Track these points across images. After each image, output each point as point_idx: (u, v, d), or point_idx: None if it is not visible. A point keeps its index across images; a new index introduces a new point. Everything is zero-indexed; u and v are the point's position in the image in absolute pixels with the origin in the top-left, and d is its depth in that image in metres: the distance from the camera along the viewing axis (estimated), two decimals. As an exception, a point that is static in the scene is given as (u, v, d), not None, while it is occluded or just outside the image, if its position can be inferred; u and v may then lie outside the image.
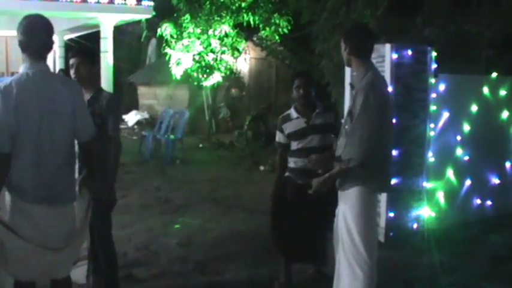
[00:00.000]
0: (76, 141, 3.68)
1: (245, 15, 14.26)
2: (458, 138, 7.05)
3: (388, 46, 6.26)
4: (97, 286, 4.77)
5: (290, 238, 5.04)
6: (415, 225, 6.61)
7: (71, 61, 4.49)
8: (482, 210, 7.39)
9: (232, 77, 16.53)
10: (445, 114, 6.86)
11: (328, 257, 4.83)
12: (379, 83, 4.03)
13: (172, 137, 12.53)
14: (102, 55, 12.97)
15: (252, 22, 14.42)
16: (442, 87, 6.76)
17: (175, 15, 14.47)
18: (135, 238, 6.59)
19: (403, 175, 6.36)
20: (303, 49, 15.45)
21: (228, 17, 14.09)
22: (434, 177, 6.80)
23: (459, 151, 7.07)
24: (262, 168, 11.30)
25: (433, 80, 6.61)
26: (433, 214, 6.76)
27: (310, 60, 13.61)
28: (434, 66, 6.62)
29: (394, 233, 6.39)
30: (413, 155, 6.50)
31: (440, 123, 6.83)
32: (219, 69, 14.69)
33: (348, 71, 6.37)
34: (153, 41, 21.06)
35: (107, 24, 13.32)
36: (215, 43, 14.40)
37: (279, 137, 5.20)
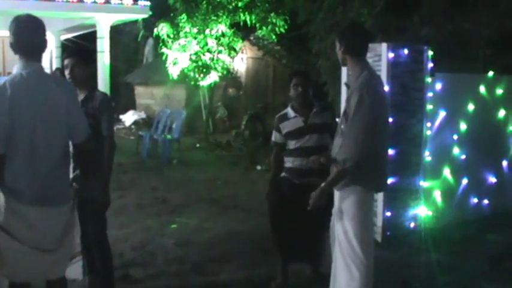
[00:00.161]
0: (70, 142, 3.66)
1: (242, 15, 14.25)
2: (455, 137, 7.04)
3: (384, 45, 6.25)
4: (92, 286, 4.76)
5: (290, 238, 5.03)
6: (412, 225, 6.60)
7: (66, 62, 4.48)
8: (479, 209, 7.39)
9: (229, 76, 16.55)
10: (442, 113, 6.85)
11: (324, 257, 4.83)
12: (374, 82, 4.01)
13: (169, 137, 12.52)
14: (98, 55, 12.95)
15: (248, 21, 14.42)
16: (438, 86, 6.75)
17: (171, 14, 14.47)
18: (132, 238, 6.57)
19: (400, 174, 6.35)
20: (299, 48, 15.46)
21: (224, 17, 14.09)
22: (431, 176, 6.79)
23: (456, 150, 7.07)
24: (259, 168, 11.30)
25: (429, 79, 6.60)
26: (430, 213, 6.75)
27: (307, 60, 13.62)
28: (430, 65, 6.61)
29: (391, 232, 6.39)
30: (410, 154, 6.49)
31: (437, 122, 6.82)
32: (215, 68, 14.68)
33: (344, 70, 6.36)
34: (150, 41, 21.03)
35: (103, 24, 13.30)
36: (212, 43, 14.40)
37: (275, 137, 5.19)
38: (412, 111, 6.47)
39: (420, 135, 6.56)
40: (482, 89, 7.28)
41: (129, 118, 18.73)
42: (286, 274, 5.15)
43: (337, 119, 4.96)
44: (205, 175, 10.80)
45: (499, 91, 7.43)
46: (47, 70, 14.00)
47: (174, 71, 14.63)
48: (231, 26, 14.54)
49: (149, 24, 17.57)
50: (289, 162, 5.07)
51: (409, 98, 6.42)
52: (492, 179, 7.52)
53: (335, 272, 4.11)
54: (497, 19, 9.59)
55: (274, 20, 14.32)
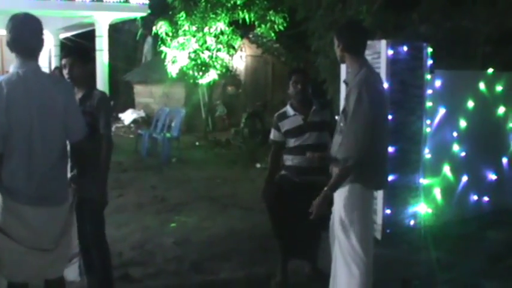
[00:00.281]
0: (67, 141, 3.64)
1: (240, 13, 14.25)
2: (455, 134, 7.03)
3: (383, 42, 6.23)
4: (91, 286, 4.74)
5: (290, 235, 5.01)
6: (411, 222, 6.59)
7: (63, 61, 4.47)
8: (479, 207, 7.37)
9: (228, 74, 16.52)
10: (442, 111, 6.83)
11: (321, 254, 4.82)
12: (373, 79, 3.99)
13: (168, 135, 12.50)
14: (97, 54, 12.96)
15: (247, 19, 14.42)
16: (438, 83, 6.73)
17: (170, 13, 14.47)
18: (131, 237, 6.56)
19: (400, 172, 6.34)
20: (298, 46, 15.48)
21: (223, 15, 14.09)
22: (431, 173, 6.77)
23: (456, 147, 7.05)
24: (259, 165, 11.28)
25: (429, 76, 6.58)
26: (429, 211, 6.73)
27: (306, 57, 13.61)
28: (430, 62, 6.59)
29: (390, 230, 6.37)
30: (410, 152, 6.47)
31: (437, 120, 6.81)
32: (214, 66, 14.68)
33: (343, 68, 6.34)
34: (149, 39, 21.03)
35: (102, 22, 13.30)
36: (211, 41, 14.39)
37: (274, 135, 5.17)
38: (412, 109, 6.45)
39: (420, 133, 6.54)
40: (482, 86, 7.26)
41: (128, 117, 18.73)
42: (285, 272, 5.14)
43: (336, 117, 4.95)
44: (205, 173, 10.79)
45: (499, 88, 7.41)
46: (46, 69, 14.04)
47: (173, 69, 14.63)
48: (230, 24, 14.53)
49: (148, 22, 17.56)
50: (288, 160, 5.06)
51: (408, 95, 6.40)
52: (492, 176, 7.50)
53: (335, 271, 4.10)
54: (496, 16, 9.57)
55: (273, 18, 14.32)
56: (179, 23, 14.15)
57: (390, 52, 6.20)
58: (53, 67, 15.04)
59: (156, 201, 8.44)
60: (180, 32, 14.25)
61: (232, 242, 6.51)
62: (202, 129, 16.05)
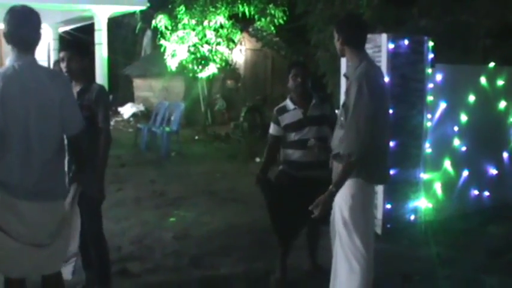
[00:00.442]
0: (65, 135, 3.60)
1: (240, 6, 14.19)
2: (456, 128, 7.00)
3: (384, 36, 6.19)
4: (89, 281, 4.72)
5: (290, 228, 4.98)
6: (412, 217, 6.56)
7: (61, 54, 4.44)
8: (480, 201, 7.35)
9: (227, 68, 16.47)
10: (442, 105, 6.80)
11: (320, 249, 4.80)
12: (374, 73, 3.95)
13: (167, 129, 12.47)
14: (96, 47, 12.90)
15: (247, 13, 14.36)
16: (439, 77, 6.69)
17: (169, 6, 14.42)
18: (130, 232, 6.53)
19: (400, 166, 6.30)
20: (298, 40, 15.43)
21: (223, 8, 14.03)
22: (432, 168, 6.74)
23: (456, 142, 7.02)
24: (258, 160, 11.22)
25: (429, 70, 6.55)
26: (430, 205, 6.71)
27: (305, 51, 13.57)
28: (431, 56, 6.55)
29: (391, 225, 6.35)
30: (410, 146, 6.43)
31: (438, 114, 6.77)
32: (214, 60, 14.63)
33: (343, 61, 6.31)
34: (148, 33, 20.98)
35: (100, 16, 13.22)
36: (210, 34, 14.34)
37: (273, 129, 5.12)
38: (412, 103, 6.42)
39: (420, 127, 6.51)
40: (482, 80, 7.22)
41: (127, 110, 18.70)
42: (285, 268, 5.10)
43: (336, 111, 4.92)
44: (204, 167, 10.77)
45: (500, 82, 7.37)
46: (45, 62, 13.98)
47: (172, 63, 14.58)
48: (230, 18, 14.48)
49: (147, 16, 17.49)
50: (288, 154, 5.02)
51: (409, 90, 6.37)
52: (493, 171, 7.48)
53: (335, 266, 4.07)
54: (497, 10, 9.54)
55: (272, 12, 14.25)
56: (179, 16, 14.10)
57: (391, 46, 6.16)
58: (52, 61, 14.98)
59: (155, 196, 8.41)
60: (180, 26, 14.19)
61: (232, 236, 6.49)
62: (202, 123, 16.03)
